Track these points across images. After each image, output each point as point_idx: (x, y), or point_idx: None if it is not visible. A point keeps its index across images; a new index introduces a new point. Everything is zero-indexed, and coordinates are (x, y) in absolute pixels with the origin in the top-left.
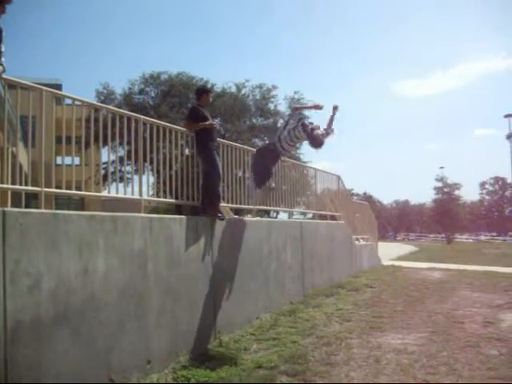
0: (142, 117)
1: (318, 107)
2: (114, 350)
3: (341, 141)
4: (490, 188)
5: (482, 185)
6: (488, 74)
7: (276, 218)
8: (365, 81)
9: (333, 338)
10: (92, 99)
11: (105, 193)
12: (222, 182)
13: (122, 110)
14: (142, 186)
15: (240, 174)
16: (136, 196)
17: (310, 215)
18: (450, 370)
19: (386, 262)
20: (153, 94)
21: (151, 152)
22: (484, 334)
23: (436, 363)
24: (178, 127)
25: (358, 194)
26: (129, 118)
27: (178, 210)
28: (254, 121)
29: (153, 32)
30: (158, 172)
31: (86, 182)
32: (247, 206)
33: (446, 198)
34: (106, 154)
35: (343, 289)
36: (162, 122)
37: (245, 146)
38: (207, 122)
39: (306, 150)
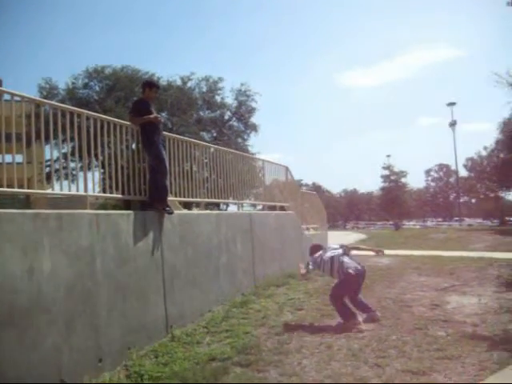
0: (85, 111)
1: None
2: (63, 349)
3: (289, 133)
4: (435, 175)
5: (428, 172)
6: (431, 64)
7: (226, 210)
8: (310, 72)
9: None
10: (35, 95)
11: (49, 190)
12: (169, 176)
13: (63, 105)
14: (87, 182)
15: (188, 167)
16: (81, 192)
17: (260, 206)
18: (399, 353)
19: None
20: (97, 89)
21: (96, 148)
22: (431, 316)
23: (386, 347)
24: (123, 121)
25: (307, 185)
26: (71, 113)
27: (126, 205)
28: (202, 113)
29: (96, 25)
30: (104, 167)
31: (30, 179)
32: (196, 199)
33: (393, 186)
34: (53, 151)
35: (294, 278)
36: (107, 117)
37: (192, 140)
38: (152, 116)
39: (253, 142)
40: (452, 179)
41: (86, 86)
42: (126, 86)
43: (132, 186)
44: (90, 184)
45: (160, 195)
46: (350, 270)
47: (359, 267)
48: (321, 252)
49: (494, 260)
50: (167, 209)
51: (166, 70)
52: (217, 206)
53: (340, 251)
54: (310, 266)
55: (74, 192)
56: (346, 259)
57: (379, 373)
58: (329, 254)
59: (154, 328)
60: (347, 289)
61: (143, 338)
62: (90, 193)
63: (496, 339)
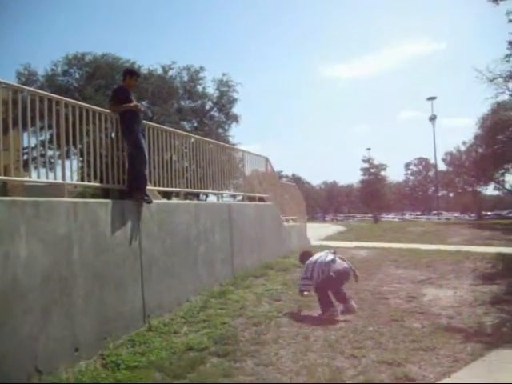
0: (64, 98)
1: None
2: (39, 338)
3: (271, 124)
4: (415, 168)
5: (407, 165)
6: (412, 59)
7: (206, 200)
8: (292, 63)
9: (262, 317)
10: (13, 81)
11: (26, 178)
12: (148, 165)
13: (41, 91)
14: (64, 170)
15: (167, 156)
16: (59, 180)
17: (240, 197)
18: (375, 344)
19: (314, 243)
20: (77, 76)
21: (74, 135)
22: (407, 308)
23: (362, 338)
24: (103, 109)
25: (286, 176)
26: (50, 100)
27: (105, 194)
28: (182, 103)
29: (76, 13)
30: (82, 156)
31: (6, 167)
32: (175, 189)
33: (373, 179)
34: (31, 139)
35: (272, 269)
36: (86, 104)
37: (172, 129)
38: (132, 104)
39: (234, 132)
40: (431, 173)
41: (65, 73)
42: (106, 74)
43: (111, 175)
44: (68, 172)
45: (138, 184)
46: (331, 273)
47: (341, 269)
48: (311, 259)
49: (470, 253)
50: (146, 198)
51: (147, 58)
52: (196, 196)
53: (328, 254)
54: (302, 282)
55: (51, 180)
56: (332, 261)
57: (355, 363)
58: (315, 257)
59: (131, 317)
60: (331, 286)
61: (120, 327)
62: (68, 181)
63: (470, 331)
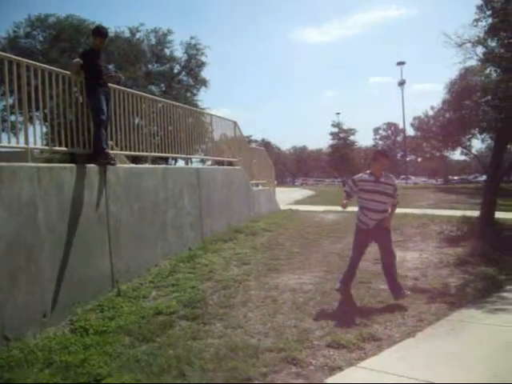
0: (26, 60)
1: None
2: (6, 305)
3: (241, 88)
4: (383, 133)
5: (376, 130)
6: (382, 24)
7: (175, 165)
8: (262, 26)
9: (231, 281)
10: None
11: None
12: (114, 129)
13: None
14: (27, 134)
15: (136, 121)
16: (22, 145)
17: (209, 162)
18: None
19: (283, 207)
20: (41, 38)
21: (37, 100)
22: (375, 270)
23: (330, 300)
24: (68, 72)
25: (256, 141)
26: (10, 62)
27: (73, 160)
28: (150, 67)
29: None
30: (46, 120)
31: None
32: (143, 153)
33: (342, 144)
34: None
35: (241, 233)
36: (49, 67)
37: (140, 93)
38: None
39: (203, 97)
40: (400, 138)
41: (28, 35)
42: (71, 37)
43: (76, 139)
44: (32, 138)
45: (101, 147)
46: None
47: None
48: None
49: (436, 217)
50: (109, 160)
51: (114, 20)
52: (165, 160)
53: None
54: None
55: (13, 144)
56: None
57: (323, 325)
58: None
59: (100, 283)
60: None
61: (89, 292)
62: (32, 145)
63: (435, 292)
